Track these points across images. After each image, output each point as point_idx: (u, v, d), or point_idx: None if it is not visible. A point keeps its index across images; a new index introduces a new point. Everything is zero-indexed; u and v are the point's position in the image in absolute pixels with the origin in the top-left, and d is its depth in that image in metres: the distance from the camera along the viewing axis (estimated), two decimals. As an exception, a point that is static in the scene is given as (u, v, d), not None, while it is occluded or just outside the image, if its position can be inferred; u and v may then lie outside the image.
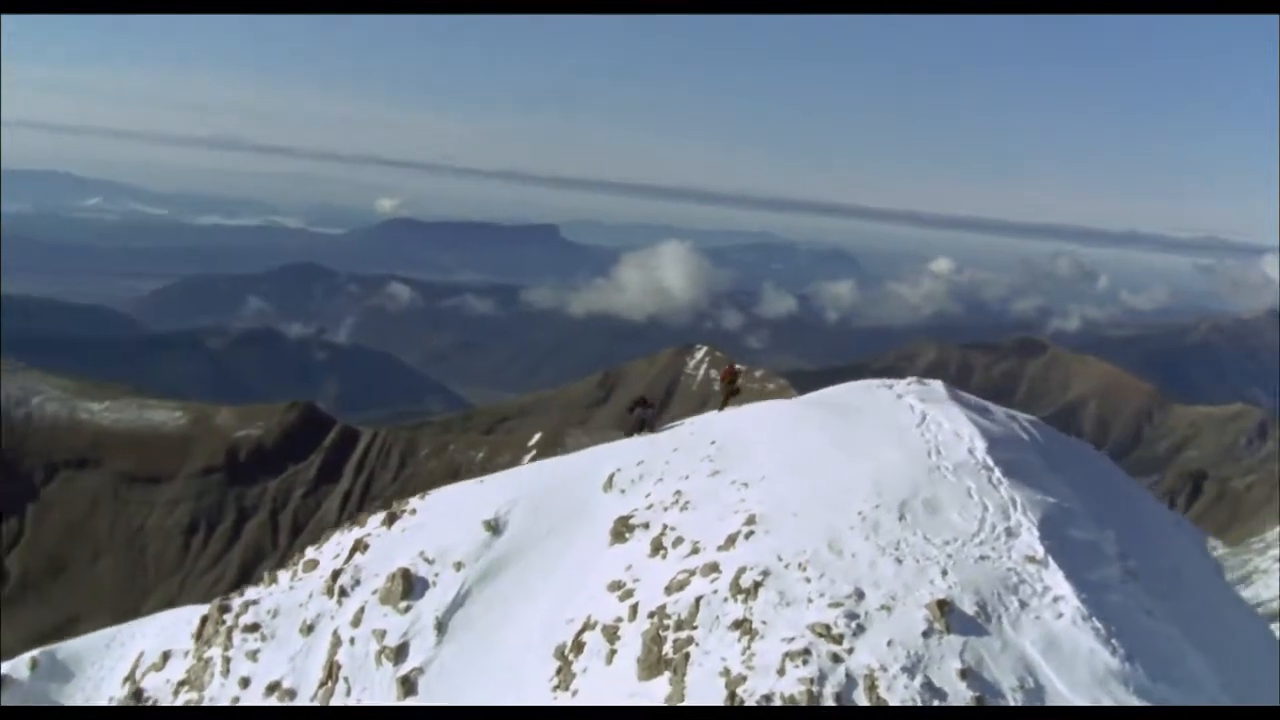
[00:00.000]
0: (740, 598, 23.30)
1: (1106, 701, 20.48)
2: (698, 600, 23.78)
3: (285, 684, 29.61)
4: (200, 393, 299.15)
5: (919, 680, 20.49)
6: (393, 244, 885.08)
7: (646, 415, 36.97)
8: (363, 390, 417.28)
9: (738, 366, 40.32)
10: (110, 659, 37.56)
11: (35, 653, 38.56)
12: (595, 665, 24.34)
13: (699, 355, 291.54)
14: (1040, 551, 23.84)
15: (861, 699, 20.38)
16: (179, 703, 31.27)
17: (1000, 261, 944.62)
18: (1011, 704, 20.45)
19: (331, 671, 29.01)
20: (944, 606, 22.02)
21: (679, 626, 23.48)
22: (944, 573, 22.98)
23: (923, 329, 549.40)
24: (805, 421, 30.94)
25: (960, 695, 20.32)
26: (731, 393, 38.32)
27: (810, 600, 22.59)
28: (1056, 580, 23.06)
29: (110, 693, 36.39)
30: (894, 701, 20.09)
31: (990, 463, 26.84)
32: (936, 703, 20.22)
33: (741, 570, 23.93)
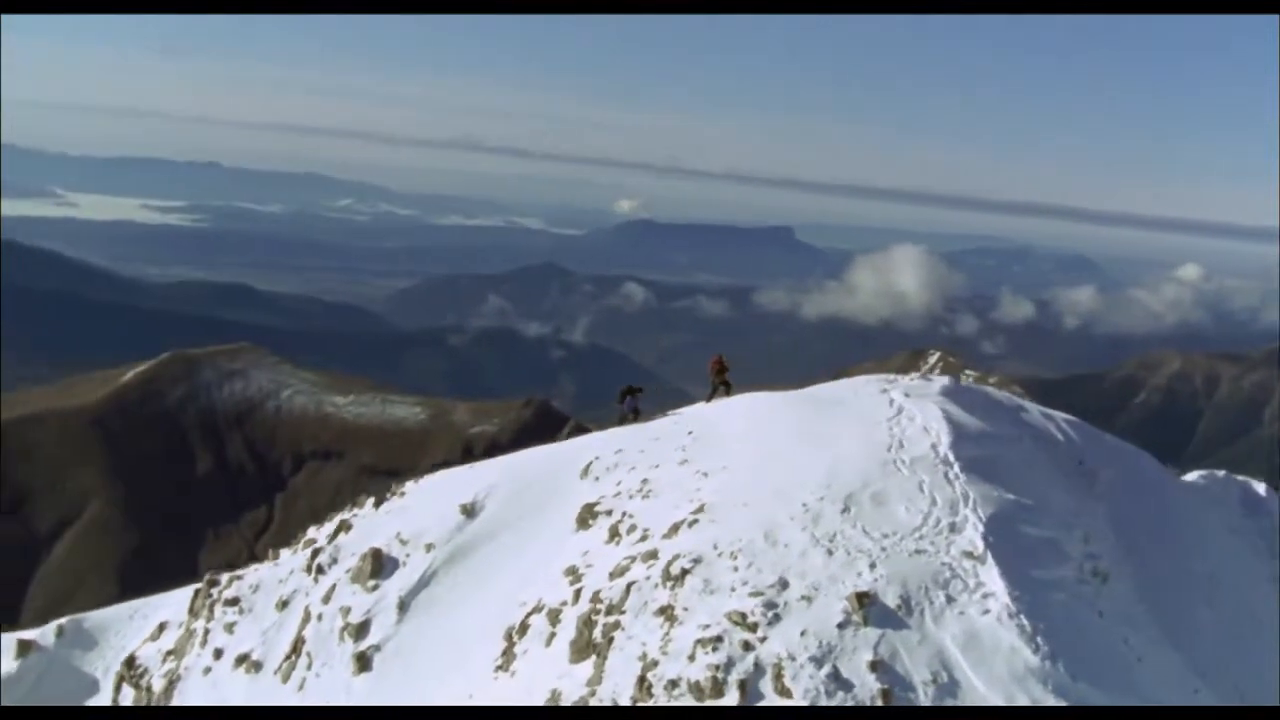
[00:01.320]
0: (669, 584, 23.34)
1: (1021, 698, 20.19)
2: (629, 586, 23.99)
3: (254, 656, 30.33)
4: (441, 389, 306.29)
5: (825, 670, 20.38)
6: (630, 245, 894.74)
7: (635, 404, 37.19)
8: (597, 388, 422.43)
9: (725, 359, 40.01)
10: (132, 629, 39.17)
11: (62, 620, 40.51)
12: (535, 647, 24.57)
13: (932, 360, 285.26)
14: (980, 547, 23.51)
15: (768, 687, 20.36)
16: (163, 670, 32.43)
17: (1253, 268, 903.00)
18: (921, 697, 20.28)
19: (297, 646, 29.66)
20: (863, 599, 21.87)
21: (609, 611, 23.63)
22: (873, 565, 22.78)
23: (1166, 338, 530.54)
24: (781, 414, 30.88)
25: (868, 687, 20.19)
26: (722, 384, 38.29)
27: (734, 589, 22.57)
28: (991, 577, 22.74)
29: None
30: (798, 691, 19.99)
31: (951, 458, 26.47)
32: (841, 694, 20.11)
33: (675, 557, 23.98)
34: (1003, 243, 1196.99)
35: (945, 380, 34.32)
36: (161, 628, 35.37)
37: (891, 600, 21.88)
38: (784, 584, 22.57)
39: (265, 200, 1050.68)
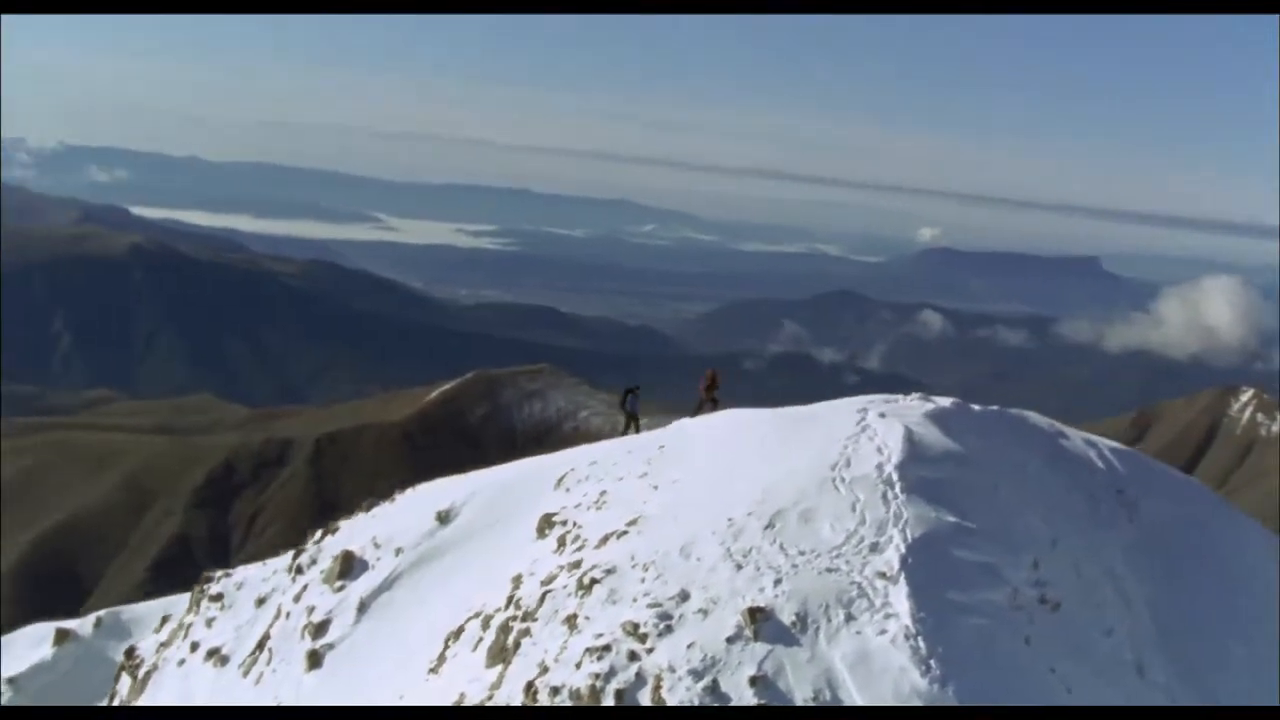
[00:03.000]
0: (580, 593, 23.85)
1: None
2: (544, 594, 24.66)
3: (224, 650, 31.39)
4: None
5: (703, 683, 20.35)
6: (930, 272, 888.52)
7: (635, 405, 37.44)
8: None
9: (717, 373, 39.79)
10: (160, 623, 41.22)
11: (102, 612, 42.86)
12: (464, 651, 24.97)
13: (1244, 398, 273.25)
14: (894, 567, 23.31)
15: (645, 698, 20.60)
16: (153, 660, 34.18)
17: None
18: None
19: (263, 642, 30.64)
20: (756, 614, 21.84)
21: (525, 618, 24.04)
22: (778, 581, 22.71)
23: None
24: (747, 431, 30.82)
25: (745, 702, 20.30)
26: (710, 400, 38.22)
27: (635, 600, 22.68)
28: (898, 597, 22.63)
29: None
30: (672, 702, 20.09)
31: (895, 478, 26.10)
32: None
33: (592, 567, 24.47)
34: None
35: (946, 402, 33.73)
36: (164, 621, 37.22)
37: (787, 617, 21.79)
38: (684, 596, 22.69)
39: (573, 225, 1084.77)
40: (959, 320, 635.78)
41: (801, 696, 20.51)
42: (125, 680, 34.16)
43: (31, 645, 40.75)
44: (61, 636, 40.76)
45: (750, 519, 24.80)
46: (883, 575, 23.09)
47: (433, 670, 25.40)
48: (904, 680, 20.75)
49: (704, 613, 22.21)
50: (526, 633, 23.76)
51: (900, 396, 33.48)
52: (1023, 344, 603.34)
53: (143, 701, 32.55)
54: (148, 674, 33.60)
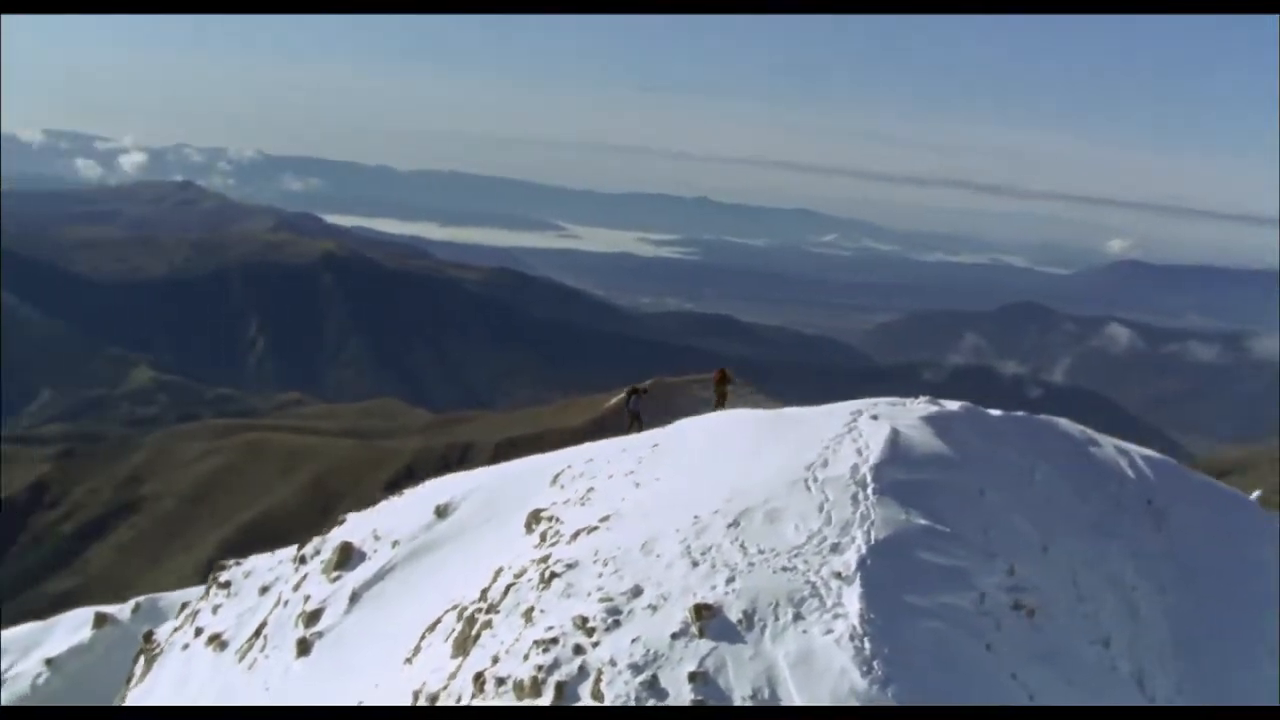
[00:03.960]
0: (540, 587, 24.24)
1: None
2: (508, 587, 25.04)
3: (224, 636, 32.32)
4: None
5: (642, 678, 20.48)
6: (1118, 286, 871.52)
7: (638, 405, 37.46)
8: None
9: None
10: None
11: (141, 598, 43.99)
12: (436, 642, 25.38)
13: None
14: (851, 568, 23.28)
15: (585, 690, 20.88)
16: (167, 642, 35.24)
17: None
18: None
19: (260, 629, 31.58)
20: (703, 611, 21.89)
21: (489, 610, 24.49)
22: (731, 579, 22.72)
23: None
24: (740, 430, 30.87)
25: (682, 698, 20.29)
26: (720, 396, 38.09)
27: (589, 594, 22.86)
28: (851, 598, 22.60)
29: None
30: (609, 696, 20.29)
31: (869, 479, 26.01)
32: (653, 701, 20.38)
33: (555, 562, 24.86)
34: None
35: (954, 405, 33.29)
36: (183, 607, 38.25)
37: (734, 614, 21.80)
38: (637, 592, 22.83)
39: (753, 234, 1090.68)
40: (1148, 335, 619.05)
41: (740, 694, 20.54)
42: (141, 663, 35.31)
43: (73, 628, 42.33)
44: (100, 620, 42.24)
45: (716, 517, 24.87)
46: (838, 575, 22.99)
47: (408, 660, 25.87)
48: (843, 681, 20.65)
49: (653, 608, 22.33)
50: (488, 625, 24.09)
51: (907, 400, 33.20)
52: (1215, 359, 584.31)
53: (146, 684, 33.65)
54: (154, 657, 34.73)
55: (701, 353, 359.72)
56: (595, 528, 26.10)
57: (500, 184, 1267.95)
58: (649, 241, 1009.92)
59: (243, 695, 29.22)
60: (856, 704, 20.40)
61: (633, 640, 21.50)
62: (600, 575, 23.75)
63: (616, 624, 22.08)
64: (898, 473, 26.59)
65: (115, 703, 34.24)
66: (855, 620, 21.75)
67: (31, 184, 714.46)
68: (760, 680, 20.76)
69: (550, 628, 22.47)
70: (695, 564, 23.40)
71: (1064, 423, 36.89)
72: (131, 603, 43.57)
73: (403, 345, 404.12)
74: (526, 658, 21.87)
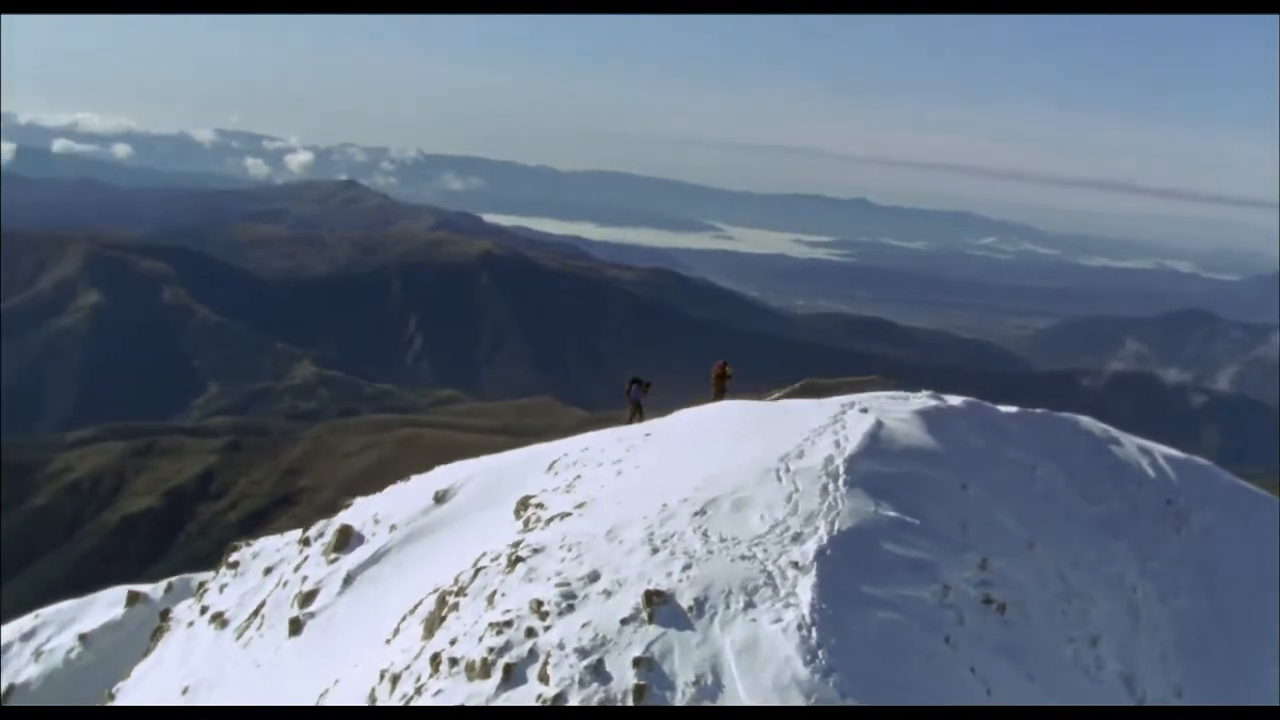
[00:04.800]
0: (506, 571, 24.65)
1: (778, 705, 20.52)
2: (477, 570, 25.52)
3: (226, 615, 33.10)
4: None
5: (587, 662, 20.74)
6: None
7: (638, 396, 37.41)
8: (1243, 442, 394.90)
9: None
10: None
11: (174, 578, 44.67)
12: (414, 623, 25.73)
13: None
14: (808, 558, 23.35)
15: (532, 673, 21.23)
16: (184, 618, 36.06)
17: None
18: (679, 698, 20.52)
19: (258, 609, 32.32)
20: (653, 597, 22.05)
21: (459, 593, 24.94)
22: (687, 566, 22.84)
23: None
24: (728, 421, 31.03)
25: (625, 682, 20.67)
26: (718, 390, 37.85)
27: (549, 578, 23.17)
28: (804, 588, 22.65)
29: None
30: (554, 678, 20.68)
31: (841, 471, 26.00)
32: (596, 684, 20.65)
33: (524, 546, 25.20)
34: None
35: (956, 400, 32.90)
36: (201, 584, 38.98)
37: (686, 601, 21.94)
38: (594, 577, 23.10)
39: (911, 237, 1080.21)
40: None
41: (684, 680, 20.68)
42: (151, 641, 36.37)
43: (109, 605, 43.52)
44: (133, 598, 43.37)
45: (684, 505, 25.05)
46: (795, 565, 23.05)
47: (388, 642, 26.37)
48: (786, 669, 20.71)
49: (608, 594, 22.57)
50: (455, 607, 24.49)
51: (910, 394, 32.94)
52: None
53: (151, 660, 34.64)
54: (160, 634, 35.76)
55: (856, 355, 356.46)
56: (569, 514, 26.44)
57: (659, 184, 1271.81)
58: (804, 243, 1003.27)
59: (236, 672, 30.02)
60: (797, 693, 20.42)
61: (583, 625, 21.76)
62: (562, 560, 24.04)
63: (570, 608, 22.36)
64: (874, 465, 26.52)
65: (123, 678, 35.10)
66: (805, 609, 21.80)
67: (203, 182, 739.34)
68: (704, 667, 20.89)
69: (507, 611, 22.85)
70: (655, 551, 23.59)
71: (1086, 421, 36.40)
72: (164, 582, 44.61)
73: (559, 344, 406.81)
74: (481, 639, 22.27)
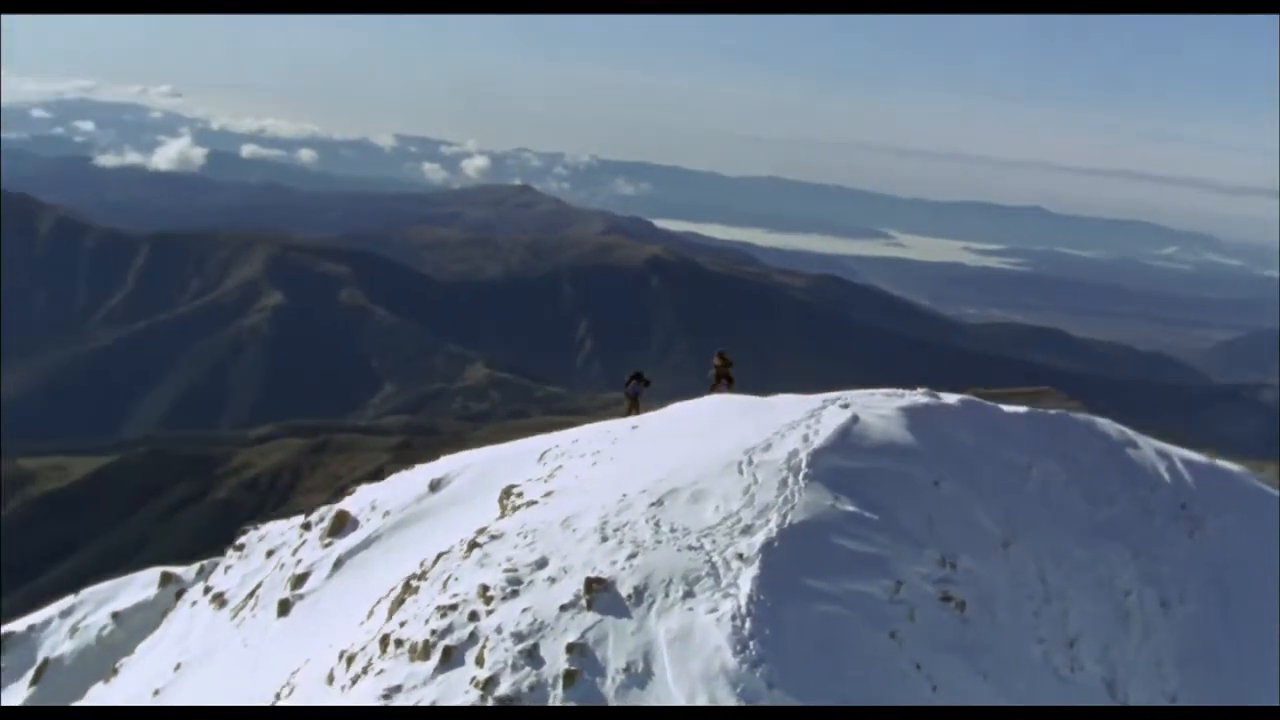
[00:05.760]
0: (463, 557, 25.11)
1: (701, 697, 20.38)
2: (439, 555, 25.98)
3: (226, 595, 34.02)
4: (1246, 447, 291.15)
5: (522, 647, 21.10)
6: None
7: (636, 390, 37.23)
8: None
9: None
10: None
11: (205, 561, 45.12)
12: (381, 608, 26.17)
13: None
14: (754, 550, 23.37)
15: (469, 655, 21.73)
16: (194, 596, 36.83)
17: None
18: (608, 683, 20.83)
19: (255, 590, 33.06)
20: (594, 584, 22.37)
21: (421, 577, 25.49)
22: (633, 555, 23.04)
23: None
24: (713, 414, 31.22)
25: (557, 667, 20.98)
26: (725, 380, 37.44)
27: (500, 564, 23.54)
28: (745, 579, 22.70)
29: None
30: (489, 661, 21.13)
31: (804, 464, 25.86)
32: (528, 668, 20.99)
33: (484, 533, 25.67)
34: None
35: (953, 398, 32.31)
36: (211, 568, 39.85)
37: (626, 589, 22.19)
38: (542, 563, 23.43)
39: (1087, 246, 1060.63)
40: None
41: (615, 667, 20.94)
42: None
43: (143, 586, 44.62)
44: (166, 578, 44.35)
45: (643, 496, 25.26)
46: (740, 556, 23.10)
47: (361, 624, 26.88)
48: (715, 658, 20.84)
49: (552, 580, 22.88)
50: (415, 591, 24.97)
51: (905, 391, 32.49)
52: None
53: (155, 637, 35.75)
54: (168, 611, 36.76)
55: (1029, 365, 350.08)
56: (535, 502, 26.71)
57: (829, 191, 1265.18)
58: (976, 251, 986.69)
59: (225, 650, 30.85)
60: (723, 683, 20.53)
61: (524, 610, 22.12)
62: (515, 547, 24.42)
63: (515, 594, 22.71)
64: (839, 459, 26.38)
65: (127, 655, 36.15)
66: (742, 600, 21.83)
67: (382, 186, 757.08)
68: (636, 654, 21.13)
69: (455, 595, 23.31)
70: (605, 539, 23.84)
71: (1103, 423, 35.73)
72: (197, 565, 45.55)
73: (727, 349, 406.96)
74: (427, 622, 22.77)
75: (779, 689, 20.42)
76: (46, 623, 43.61)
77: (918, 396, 32.31)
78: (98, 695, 34.89)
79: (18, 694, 39.62)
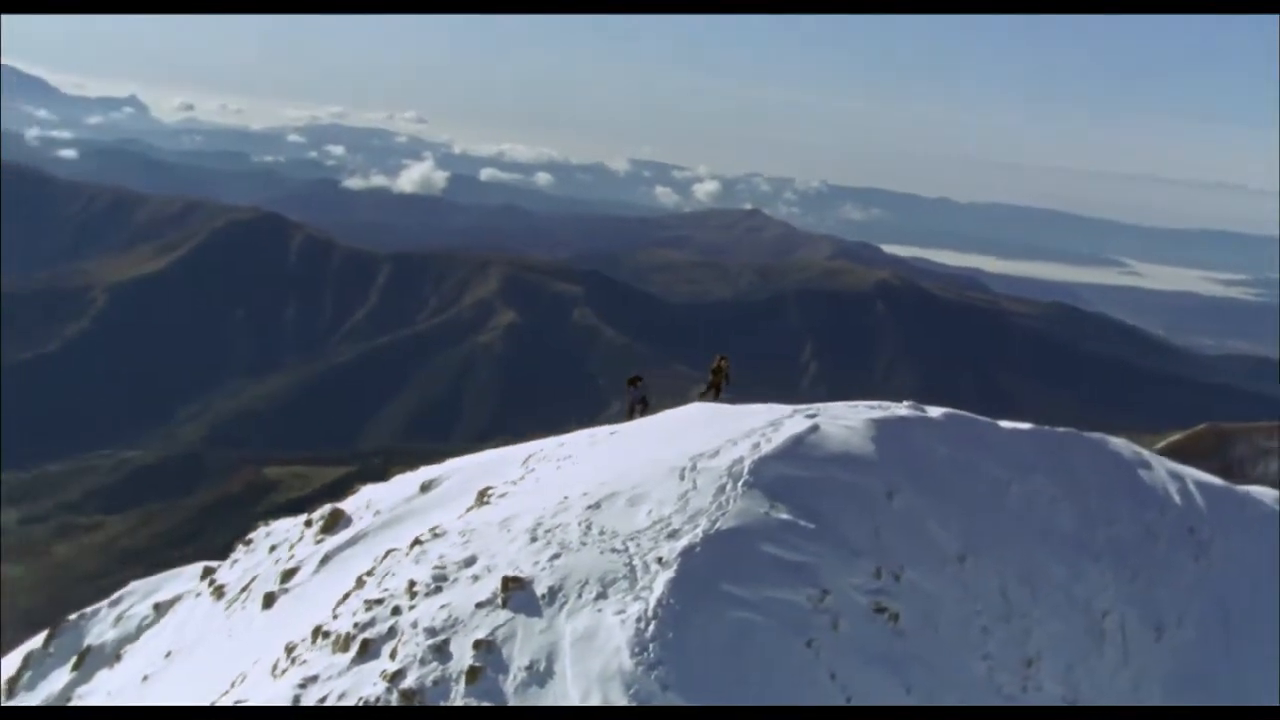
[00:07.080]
0: (406, 554, 25.72)
1: (595, 697, 20.63)
2: (388, 552, 26.54)
3: (226, 587, 35.04)
4: None
5: (433, 642, 21.72)
6: None
7: (639, 394, 36.81)
8: None
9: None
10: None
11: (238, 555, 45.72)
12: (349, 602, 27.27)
13: None
14: (674, 554, 23.41)
15: (386, 649, 22.35)
16: (195, 589, 37.51)
17: None
18: (510, 680, 21.34)
19: (249, 584, 33.84)
20: (510, 583, 22.88)
21: (371, 573, 26.19)
22: (555, 556, 23.44)
23: None
24: (686, 420, 31.09)
25: (463, 662, 21.48)
26: (714, 386, 36.69)
27: (432, 562, 24.24)
28: (659, 582, 22.80)
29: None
30: (401, 654, 21.84)
31: (745, 471, 25.72)
32: (435, 663, 21.57)
33: (431, 531, 26.27)
34: None
35: (936, 412, 31.37)
36: (234, 564, 40.57)
37: (541, 588, 22.63)
38: (470, 562, 24.02)
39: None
40: None
41: (518, 664, 21.38)
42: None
43: (187, 580, 45.71)
44: (207, 572, 45.39)
45: (583, 499, 25.64)
46: (660, 560, 23.15)
47: (335, 617, 27.42)
48: (614, 659, 21.16)
49: (476, 578, 23.43)
50: (362, 585, 25.52)
51: (892, 404, 31.76)
52: None
53: (158, 626, 36.86)
54: (173, 601, 37.77)
55: (1269, 400, 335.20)
56: (486, 503, 27.05)
57: (1062, 218, 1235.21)
58: (1215, 280, 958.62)
59: (212, 640, 31.75)
60: (619, 684, 20.86)
61: (442, 606, 22.76)
62: (452, 545, 25.06)
63: (439, 590, 23.31)
64: (785, 468, 26.25)
65: (128, 644, 37.24)
66: (651, 603, 21.91)
67: (616, 210, 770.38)
68: (541, 653, 21.55)
69: (386, 590, 23.87)
70: (534, 540, 24.26)
71: (1116, 443, 34.73)
72: (230, 560, 46.60)
73: (953, 376, 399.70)
74: (354, 615, 23.34)
75: (674, 691, 20.71)
76: (95, 611, 45.33)
77: (899, 409, 31.60)
78: (102, 679, 36.25)
79: (60, 679, 41.30)
